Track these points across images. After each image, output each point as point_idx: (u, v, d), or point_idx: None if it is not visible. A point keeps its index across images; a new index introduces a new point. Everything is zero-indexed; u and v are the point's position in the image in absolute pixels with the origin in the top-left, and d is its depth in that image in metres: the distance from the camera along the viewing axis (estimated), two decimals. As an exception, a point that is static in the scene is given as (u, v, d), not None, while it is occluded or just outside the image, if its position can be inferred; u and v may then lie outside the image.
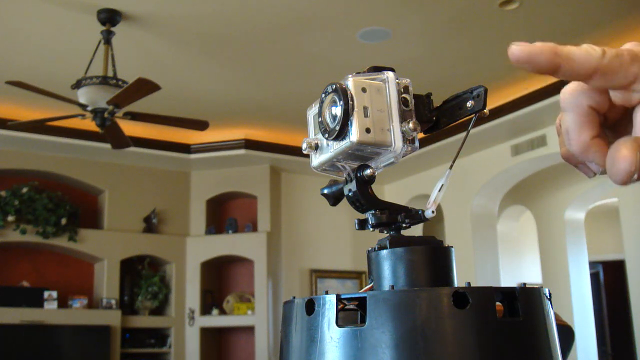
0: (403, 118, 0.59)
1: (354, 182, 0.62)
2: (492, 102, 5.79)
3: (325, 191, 0.67)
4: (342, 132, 0.58)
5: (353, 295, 0.56)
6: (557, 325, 0.58)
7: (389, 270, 0.59)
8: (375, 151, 0.59)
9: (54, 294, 6.42)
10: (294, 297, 0.60)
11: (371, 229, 0.63)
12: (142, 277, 6.94)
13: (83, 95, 4.17)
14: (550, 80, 5.50)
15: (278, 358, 0.64)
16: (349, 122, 0.57)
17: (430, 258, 0.59)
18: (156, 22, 4.49)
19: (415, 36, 4.78)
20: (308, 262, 7.45)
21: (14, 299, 6.25)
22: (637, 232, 5.59)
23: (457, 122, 0.62)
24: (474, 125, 0.59)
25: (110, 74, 4.39)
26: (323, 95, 0.60)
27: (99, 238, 6.74)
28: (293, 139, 6.88)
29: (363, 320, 0.53)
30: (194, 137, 6.77)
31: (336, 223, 7.46)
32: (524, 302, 0.54)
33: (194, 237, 7.20)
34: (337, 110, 0.58)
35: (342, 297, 0.56)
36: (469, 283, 0.53)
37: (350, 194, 0.63)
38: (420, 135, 0.61)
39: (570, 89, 0.48)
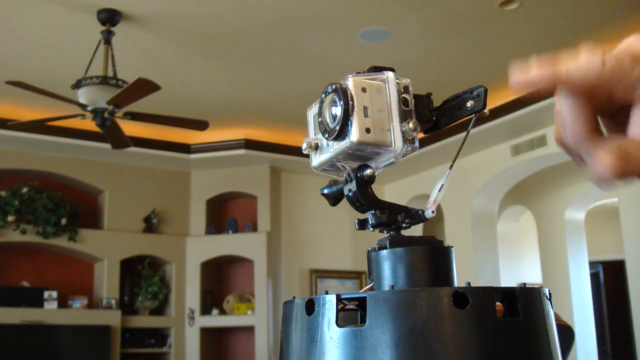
0: (403, 118, 0.59)
1: (354, 182, 0.62)
2: (492, 102, 5.79)
3: (325, 191, 0.67)
4: (342, 132, 0.58)
5: (353, 295, 0.56)
6: (557, 325, 0.58)
7: (389, 270, 0.59)
8: (375, 151, 0.59)
9: (54, 294, 6.41)
10: (294, 297, 0.60)
11: (371, 229, 0.63)
12: (142, 277, 6.94)
13: (83, 95, 4.17)
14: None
15: (278, 358, 0.64)
16: (349, 122, 0.57)
17: (430, 258, 0.59)
18: (156, 22, 4.49)
19: (415, 36, 4.78)
20: (308, 262, 7.45)
21: (14, 299, 6.25)
22: (637, 232, 5.59)
23: (457, 122, 0.62)
24: (474, 125, 0.59)
25: (110, 74, 4.39)
26: (323, 95, 0.60)
27: (99, 238, 6.74)
28: (293, 139, 6.88)
29: (363, 320, 0.53)
30: (194, 137, 6.77)
31: (336, 223, 7.46)
32: (524, 302, 0.54)
33: (194, 237, 7.20)
34: (337, 110, 0.58)
35: (342, 297, 0.56)
36: (469, 283, 0.53)
37: (350, 194, 0.63)
38: (420, 135, 0.61)
39: None
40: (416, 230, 0.68)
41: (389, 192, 7.87)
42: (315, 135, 0.63)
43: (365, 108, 0.58)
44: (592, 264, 9.02)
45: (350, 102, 0.57)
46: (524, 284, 0.55)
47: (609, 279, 9.99)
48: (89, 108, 4.18)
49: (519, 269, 9.16)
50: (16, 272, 6.57)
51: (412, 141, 0.59)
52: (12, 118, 5.64)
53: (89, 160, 6.80)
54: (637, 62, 0.43)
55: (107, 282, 6.70)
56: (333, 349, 0.54)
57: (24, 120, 4.94)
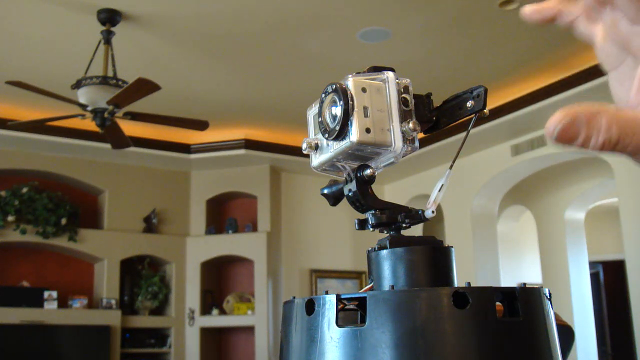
0: (403, 118, 0.59)
1: (354, 182, 0.62)
2: (492, 102, 5.79)
3: (325, 191, 0.67)
4: (342, 132, 0.58)
5: (353, 295, 0.56)
6: (557, 325, 0.58)
7: (389, 270, 0.59)
8: (375, 151, 0.59)
9: (54, 294, 6.41)
10: (294, 297, 0.60)
11: (371, 229, 0.63)
12: (142, 277, 6.94)
13: (83, 95, 4.17)
14: (550, 80, 5.50)
15: (278, 358, 0.64)
16: (349, 122, 0.57)
17: (430, 258, 0.59)
18: (156, 22, 4.49)
19: (415, 36, 4.78)
20: (308, 262, 7.45)
21: (14, 299, 6.25)
22: (637, 232, 5.58)
23: (457, 122, 0.62)
24: (474, 125, 0.59)
25: (110, 74, 4.38)
26: (323, 95, 0.60)
27: (99, 238, 6.74)
28: (293, 139, 6.87)
29: (363, 320, 0.53)
30: (194, 137, 6.77)
31: (336, 223, 7.46)
32: (524, 302, 0.54)
33: (194, 237, 7.20)
34: (337, 110, 0.58)
35: (342, 297, 0.56)
36: (469, 283, 0.53)
37: (350, 194, 0.63)
38: (420, 135, 0.61)
39: None
40: (416, 230, 0.68)
41: (389, 192, 7.87)
42: (315, 135, 0.63)
43: (365, 108, 0.58)
44: (592, 264, 9.02)
45: (350, 102, 0.57)
46: (524, 284, 0.55)
47: (609, 279, 9.99)
48: (89, 108, 4.18)
49: (519, 269, 9.16)
50: (16, 272, 6.57)
51: (412, 141, 0.59)
52: (12, 118, 5.64)
53: (89, 160, 6.80)
54: None
55: (107, 282, 6.70)
56: (333, 349, 0.54)
57: (24, 120, 4.94)
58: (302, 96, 5.67)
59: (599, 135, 0.40)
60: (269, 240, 7.05)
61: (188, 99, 5.85)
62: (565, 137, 0.41)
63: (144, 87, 3.93)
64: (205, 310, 7.09)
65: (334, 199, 0.66)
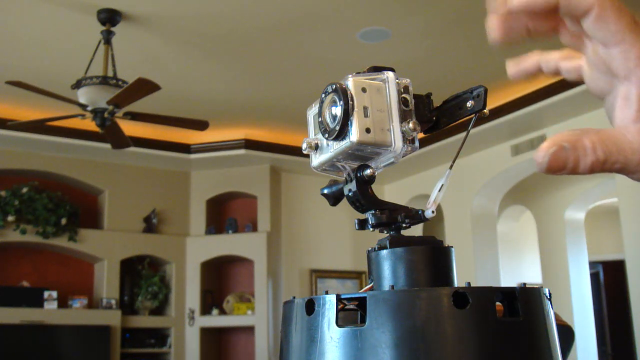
0: (403, 118, 0.59)
1: (354, 182, 0.62)
2: (492, 102, 5.79)
3: (325, 191, 0.67)
4: (342, 132, 0.58)
5: (353, 295, 0.56)
6: (557, 325, 0.58)
7: (389, 270, 0.59)
8: (375, 151, 0.59)
9: (54, 294, 6.42)
10: (294, 297, 0.60)
11: (371, 229, 0.63)
12: (142, 277, 6.94)
13: (83, 95, 4.17)
14: (550, 80, 5.50)
15: (278, 358, 0.64)
16: (349, 122, 0.57)
17: (430, 258, 0.59)
18: (156, 22, 4.49)
19: (415, 36, 4.78)
20: (308, 262, 7.45)
21: (14, 299, 6.25)
22: (637, 232, 5.58)
23: (457, 122, 0.62)
24: (474, 125, 0.59)
25: (110, 74, 4.39)
26: (323, 95, 0.60)
27: (99, 238, 6.74)
28: (293, 139, 6.88)
29: (363, 320, 0.53)
30: (194, 137, 6.77)
31: (336, 223, 7.46)
32: (524, 302, 0.54)
33: (194, 237, 7.20)
34: (337, 110, 0.58)
35: (342, 297, 0.56)
36: (469, 283, 0.53)
37: (350, 194, 0.63)
38: (420, 135, 0.61)
39: None
40: (416, 230, 0.68)
41: (389, 192, 7.87)
42: (315, 135, 0.63)
43: (365, 108, 0.58)
44: (592, 264, 9.02)
45: (350, 102, 0.57)
46: (524, 284, 0.55)
47: (609, 279, 9.99)
48: (89, 108, 4.18)
49: (519, 269, 9.17)
50: (16, 272, 6.57)
51: (412, 141, 0.59)
52: (12, 118, 5.64)
53: (89, 160, 6.80)
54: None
55: (107, 282, 6.70)
56: (333, 349, 0.54)
57: (24, 120, 4.94)
58: (302, 96, 5.67)
59: (586, 157, 0.42)
60: (269, 240, 7.05)
61: (188, 99, 5.85)
62: (555, 165, 0.42)
63: (144, 87, 3.93)
64: (205, 310, 7.09)
65: (334, 199, 0.66)
